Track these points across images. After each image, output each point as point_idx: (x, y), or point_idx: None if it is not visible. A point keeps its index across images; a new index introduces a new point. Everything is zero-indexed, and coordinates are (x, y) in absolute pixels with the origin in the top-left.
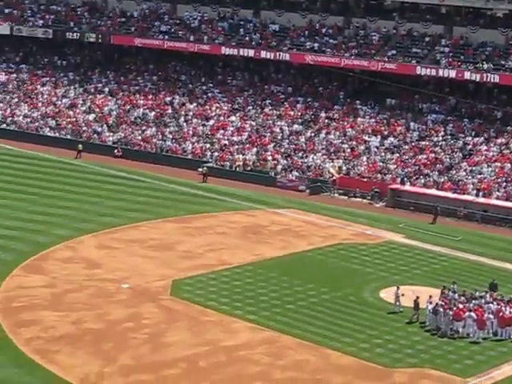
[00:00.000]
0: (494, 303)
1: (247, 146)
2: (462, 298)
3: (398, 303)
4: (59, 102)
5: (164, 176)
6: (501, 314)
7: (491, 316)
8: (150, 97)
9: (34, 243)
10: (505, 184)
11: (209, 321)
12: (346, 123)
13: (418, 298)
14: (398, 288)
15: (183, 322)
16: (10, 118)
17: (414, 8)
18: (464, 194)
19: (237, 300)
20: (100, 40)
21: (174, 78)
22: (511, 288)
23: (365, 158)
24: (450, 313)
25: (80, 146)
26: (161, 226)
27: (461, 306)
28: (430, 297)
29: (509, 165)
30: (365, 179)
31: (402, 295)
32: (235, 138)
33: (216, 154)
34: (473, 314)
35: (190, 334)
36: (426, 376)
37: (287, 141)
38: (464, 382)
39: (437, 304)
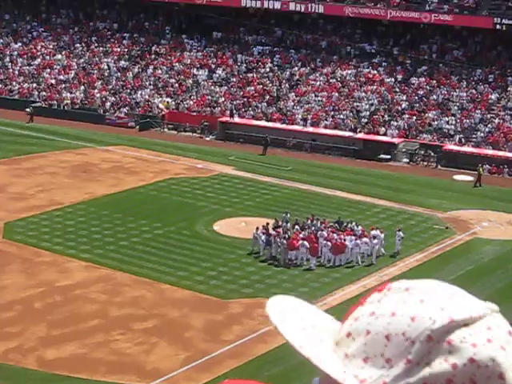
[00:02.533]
0: (326, 230)
1: (74, 84)
2: (296, 226)
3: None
4: None
5: None
6: (333, 241)
7: (324, 242)
8: None
9: None
10: (332, 113)
11: (43, 262)
12: (173, 58)
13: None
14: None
15: (17, 264)
16: None
17: None
18: (293, 124)
19: (70, 239)
20: None
21: None
22: (340, 214)
23: (193, 92)
24: (284, 242)
25: None
26: None
27: (296, 235)
28: (263, 227)
29: (336, 94)
30: (194, 113)
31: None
32: (62, 77)
33: (43, 93)
34: (306, 242)
35: (25, 275)
36: (262, 305)
37: (115, 77)
38: None
39: (270, 234)
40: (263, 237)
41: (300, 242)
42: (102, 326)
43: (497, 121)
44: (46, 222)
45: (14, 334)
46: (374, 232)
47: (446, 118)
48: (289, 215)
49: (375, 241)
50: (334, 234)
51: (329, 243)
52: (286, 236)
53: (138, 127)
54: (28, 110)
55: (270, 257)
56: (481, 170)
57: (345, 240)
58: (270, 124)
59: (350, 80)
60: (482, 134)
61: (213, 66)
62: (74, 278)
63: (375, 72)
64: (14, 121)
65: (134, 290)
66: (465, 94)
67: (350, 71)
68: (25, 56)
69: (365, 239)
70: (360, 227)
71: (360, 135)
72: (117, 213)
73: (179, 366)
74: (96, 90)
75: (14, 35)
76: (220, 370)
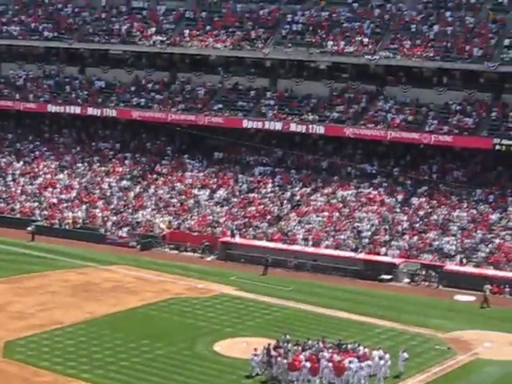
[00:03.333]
0: (327, 351)
1: (76, 203)
2: (296, 347)
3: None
4: None
5: None
6: (335, 362)
7: (325, 363)
8: None
9: None
10: (333, 233)
11: (43, 381)
12: (174, 178)
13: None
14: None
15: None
16: None
17: (238, 62)
18: (294, 244)
19: (70, 359)
20: None
21: (0, 136)
22: (343, 335)
23: (194, 212)
24: (285, 362)
25: None
26: None
27: (297, 355)
28: (265, 348)
29: (337, 214)
30: (195, 233)
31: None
32: (64, 196)
33: (45, 212)
34: (307, 363)
35: None
36: None
37: (116, 197)
38: None
39: (271, 355)
40: (259, 358)
41: (302, 363)
42: None
43: (498, 241)
44: (47, 341)
45: None
46: (377, 352)
47: (447, 238)
48: (289, 336)
49: (382, 362)
50: (336, 355)
51: (330, 364)
52: (287, 356)
53: (139, 247)
54: (29, 228)
55: (271, 377)
56: (487, 291)
57: (350, 362)
58: (271, 244)
59: (350, 200)
60: (483, 254)
61: (214, 187)
62: None
63: (376, 192)
64: (15, 239)
65: None
66: (465, 214)
67: (350, 191)
68: (27, 175)
69: (368, 362)
70: (363, 348)
71: (361, 255)
72: (117, 332)
73: None
74: (97, 210)
75: (16, 154)
76: None
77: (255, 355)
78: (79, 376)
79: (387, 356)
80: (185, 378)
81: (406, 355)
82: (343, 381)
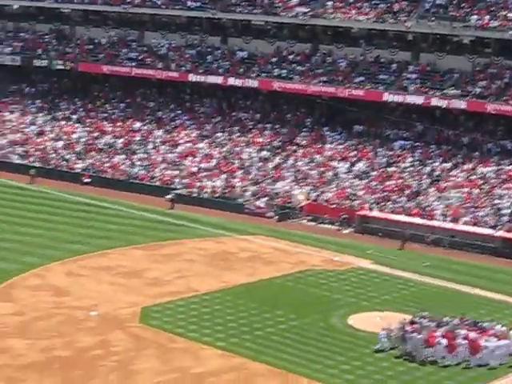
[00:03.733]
0: (464, 329)
1: (215, 172)
2: (432, 323)
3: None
4: (27, 130)
5: (132, 203)
6: (471, 341)
7: (462, 341)
8: (119, 124)
9: (2, 271)
10: (472, 209)
11: (177, 348)
12: (313, 150)
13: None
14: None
15: (152, 349)
16: None
17: (380, 35)
18: (432, 219)
19: (205, 327)
20: (68, 67)
21: (141, 104)
22: (479, 313)
23: (333, 185)
24: (421, 338)
25: (33, 171)
26: (129, 254)
27: (435, 332)
28: (401, 323)
29: (476, 190)
30: (333, 205)
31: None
32: (203, 165)
33: (184, 180)
34: (443, 340)
35: (159, 361)
36: None
37: (255, 167)
38: None
39: (406, 330)
40: (400, 332)
41: (437, 339)
42: None
43: None
44: (182, 308)
45: None
46: None
47: None
48: (425, 312)
49: None
50: (472, 333)
51: (465, 342)
52: (423, 332)
53: (276, 217)
54: (169, 196)
55: (405, 353)
56: None
57: (486, 341)
58: (409, 219)
59: (490, 177)
60: None
61: (353, 159)
62: (208, 366)
63: None
64: (154, 207)
65: (268, 380)
66: None
67: (491, 168)
68: (167, 143)
69: (506, 341)
70: (500, 327)
71: (500, 233)
72: (252, 302)
73: None
74: (236, 180)
75: (157, 122)
76: None
77: (385, 330)
78: (214, 344)
79: None
80: (318, 349)
81: None
82: (480, 360)
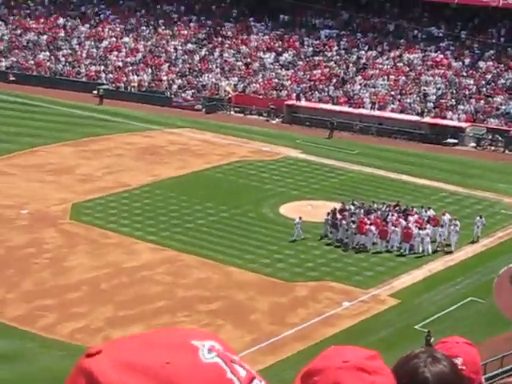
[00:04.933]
0: (394, 214)
1: (141, 66)
2: (361, 210)
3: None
4: None
5: (59, 100)
6: (403, 228)
7: (393, 228)
8: (42, 20)
9: None
10: (399, 97)
11: (109, 243)
12: (239, 41)
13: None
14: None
15: (84, 245)
16: None
17: None
18: (359, 107)
19: (137, 221)
20: None
21: (65, 0)
22: (408, 199)
23: (260, 75)
24: (353, 226)
25: None
26: (58, 151)
27: (364, 219)
28: (334, 211)
29: (403, 77)
30: (260, 96)
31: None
32: (129, 59)
33: (110, 75)
34: (372, 227)
35: (92, 256)
36: (328, 288)
37: (181, 60)
38: (365, 292)
39: (336, 217)
40: (330, 220)
41: (367, 226)
42: (168, 307)
43: None
44: (113, 203)
45: (81, 314)
46: (446, 217)
47: None
48: (355, 200)
49: (452, 227)
50: (402, 220)
51: (397, 229)
52: (354, 219)
53: (204, 110)
54: (96, 92)
55: (336, 240)
56: None
57: (419, 228)
58: (337, 107)
59: (417, 64)
60: None
61: (279, 49)
62: (141, 260)
63: (442, 56)
64: (82, 103)
65: (200, 271)
66: None
67: (417, 55)
68: (92, 38)
69: (435, 227)
70: (429, 212)
71: (427, 119)
72: (183, 195)
73: (244, 349)
74: (163, 73)
75: (81, 18)
76: (285, 352)
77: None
78: (145, 238)
79: (458, 222)
80: (250, 239)
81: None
82: (411, 247)
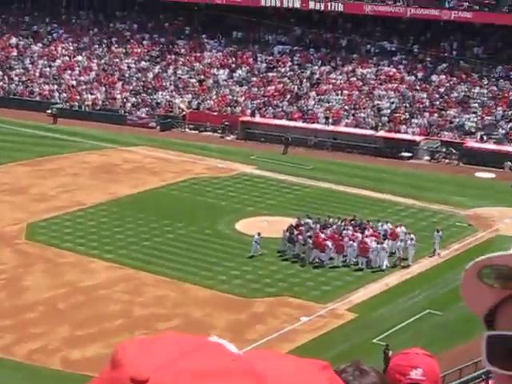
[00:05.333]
0: (350, 229)
1: (95, 84)
2: (318, 225)
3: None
4: None
5: (13, 119)
6: (359, 243)
7: (350, 242)
8: None
9: None
10: (353, 111)
11: (66, 262)
12: (193, 58)
13: (292, 230)
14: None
15: (40, 265)
16: None
17: None
18: (314, 122)
19: (93, 240)
20: None
21: (17, 19)
22: (365, 213)
23: (214, 92)
24: (310, 241)
25: None
26: (12, 170)
27: (320, 234)
28: (290, 226)
29: (356, 92)
30: (215, 113)
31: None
32: (83, 78)
33: (64, 94)
34: (329, 242)
35: (48, 276)
36: (285, 304)
37: (135, 78)
38: (322, 307)
39: (292, 232)
40: (286, 235)
41: (324, 241)
42: (126, 325)
43: None
44: (69, 222)
45: (38, 334)
46: (401, 230)
47: (467, 116)
48: (311, 215)
49: (409, 241)
50: (358, 234)
51: (354, 244)
52: (310, 234)
53: (159, 127)
54: (50, 111)
55: (293, 255)
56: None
57: (376, 242)
58: (291, 123)
59: (370, 78)
60: (504, 131)
61: (233, 66)
62: (97, 279)
63: (395, 70)
64: (36, 122)
65: (158, 289)
66: (486, 91)
67: (370, 69)
68: (45, 57)
69: (391, 242)
70: (386, 226)
71: (381, 133)
72: (139, 213)
73: None
74: (117, 91)
75: (34, 37)
76: None
77: (286, 232)
78: (102, 256)
79: (413, 236)
80: (207, 256)
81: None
82: (368, 261)
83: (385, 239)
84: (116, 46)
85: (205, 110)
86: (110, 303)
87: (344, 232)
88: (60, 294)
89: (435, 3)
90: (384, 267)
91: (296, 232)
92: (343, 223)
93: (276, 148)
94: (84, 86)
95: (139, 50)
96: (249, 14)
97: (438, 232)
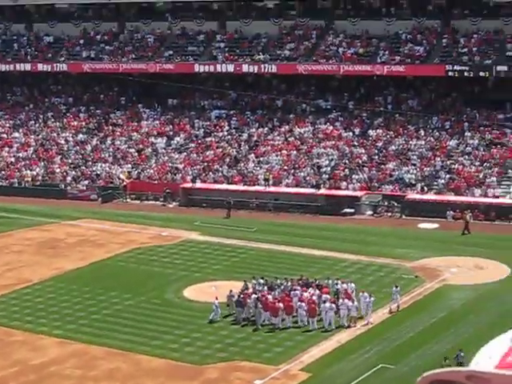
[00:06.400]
0: (298, 288)
1: (34, 160)
2: (265, 286)
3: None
4: None
5: None
6: (309, 303)
7: (299, 303)
8: None
9: None
10: (293, 171)
11: (15, 341)
12: (130, 127)
13: (239, 295)
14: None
15: None
16: None
17: (186, 7)
18: (254, 185)
19: (41, 316)
20: None
21: None
22: (311, 272)
23: (153, 161)
24: (259, 304)
25: None
26: None
27: (268, 296)
28: (231, 291)
29: (295, 151)
30: (155, 181)
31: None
32: (21, 154)
33: (3, 172)
34: (280, 303)
35: None
36: (238, 368)
37: (73, 151)
38: (275, 368)
39: (239, 296)
40: (234, 299)
41: (275, 304)
42: None
43: (457, 166)
44: (16, 300)
45: None
46: (350, 286)
47: (407, 168)
48: (258, 277)
49: (367, 300)
50: (306, 293)
51: (303, 304)
52: (258, 296)
53: (100, 199)
54: None
55: (242, 319)
56: (467, 217)
57: (324, 302)
58: (232, 187)
59: (308, 137)
60: (444, 181)
61: (171, 133)
62: (48, 355)
63: (332, 127)
64: None
65: (109, 362)
66: (423, 143)
67: (307, 128)
68: None
69: (346, 301)
70: (341, 284)
71: (322, 191)
72: (86, 286)
73: None
74: (56, 165)
75: None
76: None
77: (233, 296)
78: (51, 333)
79: (372, 298)
80: (156, 325)
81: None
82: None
83: (337, 298)
84: (52, 120)
85: (145, 178)
86: (62, 380)
87: (292, 292)
88: (11, 374)
89: (367, 59)
90: (335, 326)
91: (242, 295)
92: (291, 283)
93: (219, 212)
94: (23, 163)
95: (76, 123)
96: (183, 81)
97: (396, 288)
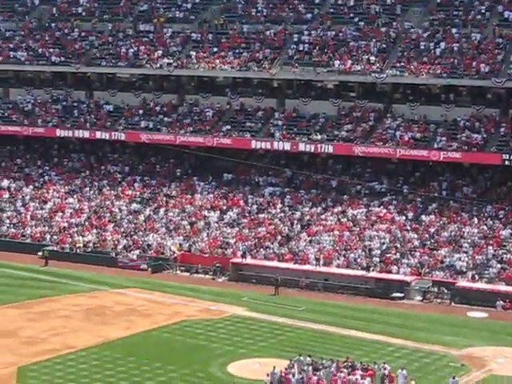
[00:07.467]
0: (343, 370)
1: (86, 227)
2: (310, 367)
3: None
4: None
5: (3, 262)
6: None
7: None
8: None
9: None
10: (344, 252)
11: None
12: (184, 200)
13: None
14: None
15: None
16: None
17: (245, 83)
18: (305, 263)
19: (85, 383)
20: None
21: (9, 162)
22: (358, 355)
23: (205, 234)
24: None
25: None
26: (2, 313)
27: (313, 377)
28: (274, 367)
29: (347, 233)
30: (206, 255)
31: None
32: (74, 220)
33: (55, 236)
34: None
35: None
36: None
37: (126, 220)
38: None
39: (281, 376)
40: (276, 377)
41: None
42: None
43: (509, 256)
44: (60, 365)
45: None
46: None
47: (458, 255)
48: (303, 356)
49: None
50: (351, 377)
51: None
52: (303, 376)
53: (150, 269)
54: (41, 253)
55: None
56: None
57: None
58: (282, 264)
59: (360, 219)
60: (495, 270)
61: (224, 208)
62: None
63: (386, 210)
64: (27, 265)
65: None
66: (476, 231)
67: (360, 210)
68: (37, 200)
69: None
70: (385, 370)
71: (372, 274)
72: (130, 356)
73: None
74: (108, 233)
75: (25, 179)
76: None
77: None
78: None
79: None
80: None
81: (404, 372)
82: None
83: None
84: (107, 188)
85: (196, 251)
86: None
87: (338, 374)
88: None
89: (424, 144)
90: None
91: (284, 374)
92: (336, 365)
93: (267, 289)
94: (75, 228)
95: (130, 192)
96: (239, 156)
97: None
